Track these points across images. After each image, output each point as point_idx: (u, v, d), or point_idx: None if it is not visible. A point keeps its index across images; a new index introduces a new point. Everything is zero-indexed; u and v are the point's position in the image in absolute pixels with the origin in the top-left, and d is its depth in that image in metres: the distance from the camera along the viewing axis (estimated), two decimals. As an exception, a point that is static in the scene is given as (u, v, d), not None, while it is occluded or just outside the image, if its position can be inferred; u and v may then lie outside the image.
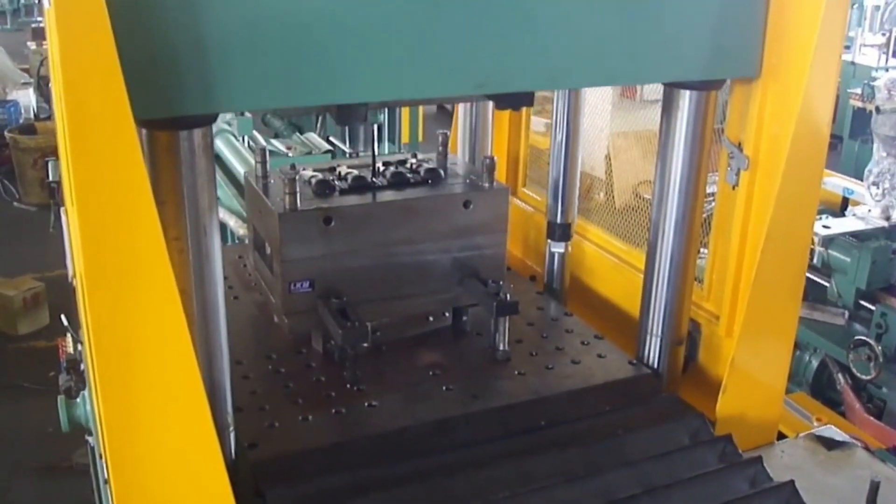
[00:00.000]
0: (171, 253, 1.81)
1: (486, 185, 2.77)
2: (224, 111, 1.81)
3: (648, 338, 2.73)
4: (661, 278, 2.65)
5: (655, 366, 2.72)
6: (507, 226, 2.81)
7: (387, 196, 2.70)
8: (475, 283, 2.75)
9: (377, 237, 2.64)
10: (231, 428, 2.14)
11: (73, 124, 1.59)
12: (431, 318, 2.94)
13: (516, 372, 2.67)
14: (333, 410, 2.45)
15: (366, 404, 2.48)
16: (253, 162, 5.73)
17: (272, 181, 2.73)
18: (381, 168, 2.83)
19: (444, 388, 2.58)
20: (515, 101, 2.32)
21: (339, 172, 2.78)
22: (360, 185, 2.71)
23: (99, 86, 1.59)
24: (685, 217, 2.56)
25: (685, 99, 2.44)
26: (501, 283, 2.76)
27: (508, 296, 2.66)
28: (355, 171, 2.76)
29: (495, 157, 2.81)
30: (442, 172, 2.83)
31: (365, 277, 2.65)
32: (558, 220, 3.21)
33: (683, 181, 2.52)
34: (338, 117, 2.05)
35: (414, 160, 2.92)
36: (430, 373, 2.66)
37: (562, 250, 3.25)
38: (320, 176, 2.71)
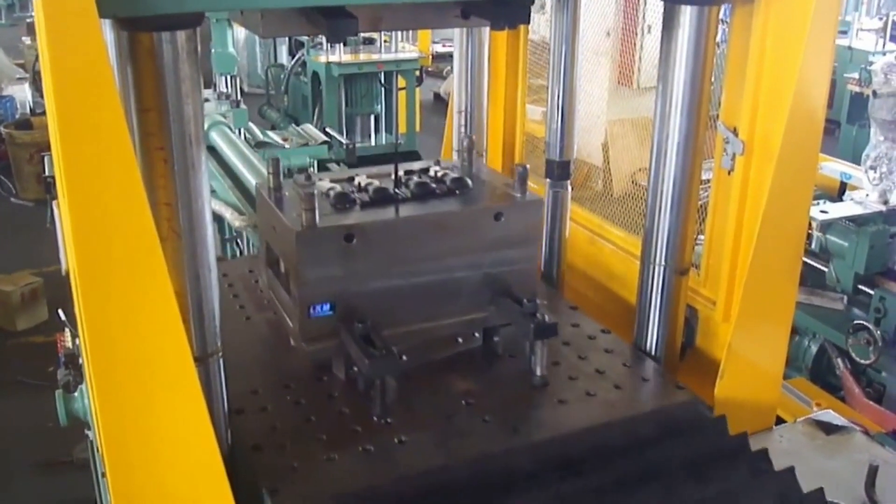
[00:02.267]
0: (155, 163, 1.81)
1: (518, 195, 2.58)
2: (194, 9, 1.76)
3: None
4: (663, 205, 2.58)
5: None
6: (540, 238, 2.66)
7: (411, 210, 2.51)
8: (508, 302, 2.56)
9: (402, 254, 2.46)
10: (220, 354, 2.10)
11: (63, 118, 1.59)
12: (461, 340, 2.72)
13: (556, 399, 2.47)
14: (360, 448, 2.24)
15: (395, 440, 2.27)
16: (250, 155, 5.73)
17: (286, 194, 2.54)
18: (403, 178, 2.65)
19: (480, 419, 2.37)
20: (512, 17, 2.29)
21: (359, 183, 2.60)
22: (381, 198, 2.52)
23: (88, 79, 1.59)
24: (688, 140, 2.49)
25: (686, 16, 2.38)
26: (538, 301, 2.55)
27: (546, 316, 2.48)
28: (376, 182, 2.59)
29: (527, 166, 2.65)
30: (469, 182, 2.64)
31: (389, 298, 2.47)
32: (557, 158, 3.12)
33: (685, 103, 2.45)
34: (329, 32, 1.99)
35: (437, 167, 2.74)
36: (464, 402, 2.45)
37: (561, 189, 3.16)
38: (339, 188, 2.53)
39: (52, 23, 1.57)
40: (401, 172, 2.66)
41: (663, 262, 2.62)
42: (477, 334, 2.72)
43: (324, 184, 2.56)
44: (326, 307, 2.39)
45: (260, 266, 2.81)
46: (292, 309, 2.45)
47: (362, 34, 12.09)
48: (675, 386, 2.54)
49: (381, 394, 2.33)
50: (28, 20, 16.99)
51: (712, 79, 2.52)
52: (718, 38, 2.54)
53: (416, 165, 2.77)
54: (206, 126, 6.12)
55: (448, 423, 2.35)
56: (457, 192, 2.60)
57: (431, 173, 2.70)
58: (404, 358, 2.31)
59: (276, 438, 2.27)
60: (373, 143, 12.53)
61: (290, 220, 2.36)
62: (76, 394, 3.55)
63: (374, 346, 2.28)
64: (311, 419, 2.37)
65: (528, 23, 2.40)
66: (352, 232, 2.36)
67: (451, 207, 2.54)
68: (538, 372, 2.54)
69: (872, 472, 2.34)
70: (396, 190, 2.57)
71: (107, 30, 1.74)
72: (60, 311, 4.26)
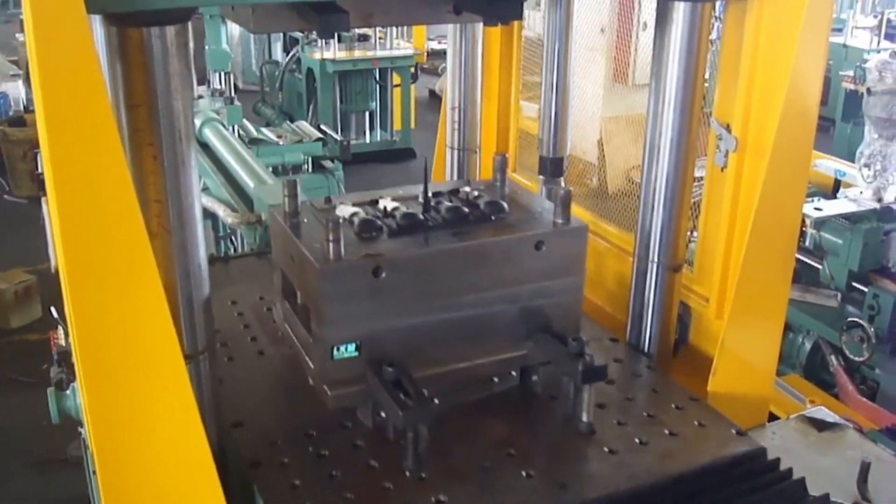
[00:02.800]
0: (144, 159, 1.80)
1: (561, 221, 2.35)
2: (184, 4, 1.75)
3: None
4: (656, 201, 2.57)
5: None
6: (584, 268, 2.42)
7: (444, 239, 2.28)
8: (550, 340, 2.34)
9: (434, 289, 2.23)
10: (211, 351, 2.07)
11: (50, 115, 1.58)
12: (496, 379, 2.46)
13: (606, 449, 2.23)
14: None
15: (433, 499, 2.04)
16: (243, 152, 5.71)
17: (305, 220, 2.33)
18: (432, 200, 2.43)
19: (523, 473, 2.13)
20: (504, 13, 2.26)
21: (384, 208, 2.40)
22: (410, 225, 2.29)
23: (76, 75, 1.58)
24: (681, 137, 2.48)
25: (679, 12, 2.39)
26: (584, 339, 2.30)
27: (594, 358, 2.27)
28: (403, 207, 2.38)
29: (570, 189, 2.44)
30: (505, 206, 2.41)
31: (420, 336, 2.24)
32: (551, 155, 3.11)
33: (678, 100, 2.45)
34: (320, 27, 1.98)
35: (467, 188, 2.54)
36: (504, 453, 2.21)
37: (554, 187, 3.15)
38: (363, 213, 2.33)
39: (39, 19, 1.56)
40: (429, 193, 2.43)
41: (656, 259, 2.62)
42: (514, 373, 2.47)
43: (345, 208, 2.37)
44: (351, 347, 2.16)
45: (274, 295, 2.57)
46: (313, 348, 2.22)
47: (357, 31, 12.12)
48: (735, 432, 2.31)
49: (414, 444, 2.11)
50: (21, 17, 16.94)
51: (706, 75, 2.52)
52: (713, 36, 2.54)
53: (446, 186, 2.59)
54: (199, 123, 6.14)
55: (488, 477, 2.13)
56: (492, 217, 2.38)
57: (462, 195, 2.51)
58: (436, 401, 2.12)
59: (298, 500, 2.04)
60: (367, 141, 12.54)
61: (312, 252, 2.14)
62: (68, 391, 3.54)
63: (405, 393, 2.06)
64: (336, 474, 2.13)
65: (521, 18, 2.38)
66: (380, 265, 2.13)
67: (487, 236, 2.31)
68: (584, 418, 2.30)
69: (865, 468, 2.35)
70: (426, 215, 2.35)
71: (96, 25, 1.73)
72: (53, 309, 4.24)
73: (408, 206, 2.39)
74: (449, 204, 2.42)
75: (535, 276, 2.32)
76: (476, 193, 2.51)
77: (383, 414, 2.22)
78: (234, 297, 3.04)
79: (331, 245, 2.09)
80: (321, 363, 2.17)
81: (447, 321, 2.26)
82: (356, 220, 2.28)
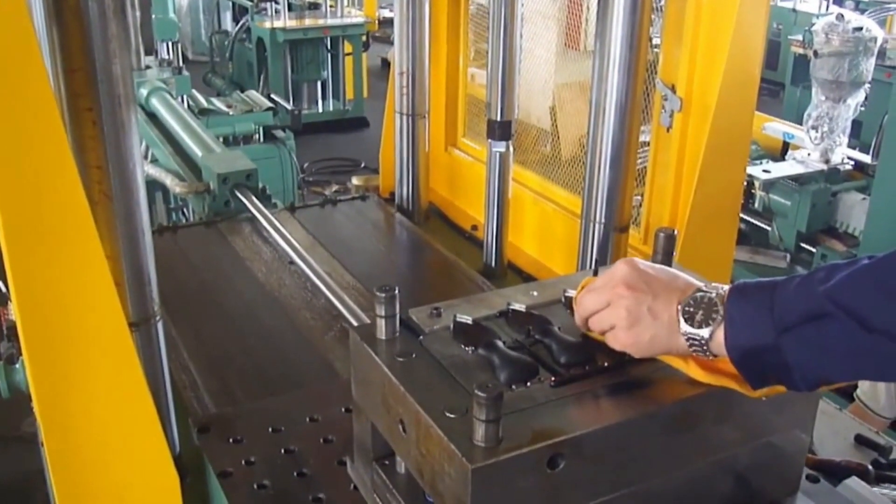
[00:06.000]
0: (84, 125, 1.77)
1: None
2: None
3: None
4: (602, 162, 2.54)
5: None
6: (815, 415, 1.69)
7: (636, 393, 1.47)
8: None
9: (625, 470, 1.45)
10: (158, 318, 2.02)
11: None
12: None
13: None
14: None
15: None
16: (191, 120, 5.60)
17: (415, 356, 1.52)
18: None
19: None
20: None
21: (528, 331, 1.60)
22: (577, 363, 1.51)
23: (9, 41, 1.55)
24: (626, 98, 2.46)
25: None
26: None
27: None
28: (556, 329, 1.58)
29: None
30: None
31: None
32: (498, 118, 3.09)
33: (623, 61, 2.43)
34: None
35: None
36: None
37: (503, 150, 3.13)
38: (502, 348, 1.53)
39: None
40: (568, 292, 1.68)
41: (603, 220, 2.63)
42: None
43: (462, 321, 1.61)
44: None
45: (356, 454, 1.77)
46: None
47: (307, -1, 12.00)
48: None
49: None
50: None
51: (651, 36, 2.53)
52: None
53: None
54: (146, 92, 6.05)
55: None
56: None
57: None
58: None
59: None
60: (320, 110, 12.45)
61: (449, 432, 1.34)
62: (18, 365, 3.50)
63: None
64: None
65: None
66: (560, 451, 1.34)
67: (695, 383, 1.49)
68: None
69: (808, 421, 2.40)
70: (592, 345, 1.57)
71: (30, -10, 1.71)
72: (1, 284, 4.19)
73: (556, 320, 1.62)
74: None
75: (754, 432, 1.57)
76: None
77: None
78: (275, 420, 2.14)
79: (484, 428, 1.29)
80: None
81: None
82: (497, 359, 1.50)
